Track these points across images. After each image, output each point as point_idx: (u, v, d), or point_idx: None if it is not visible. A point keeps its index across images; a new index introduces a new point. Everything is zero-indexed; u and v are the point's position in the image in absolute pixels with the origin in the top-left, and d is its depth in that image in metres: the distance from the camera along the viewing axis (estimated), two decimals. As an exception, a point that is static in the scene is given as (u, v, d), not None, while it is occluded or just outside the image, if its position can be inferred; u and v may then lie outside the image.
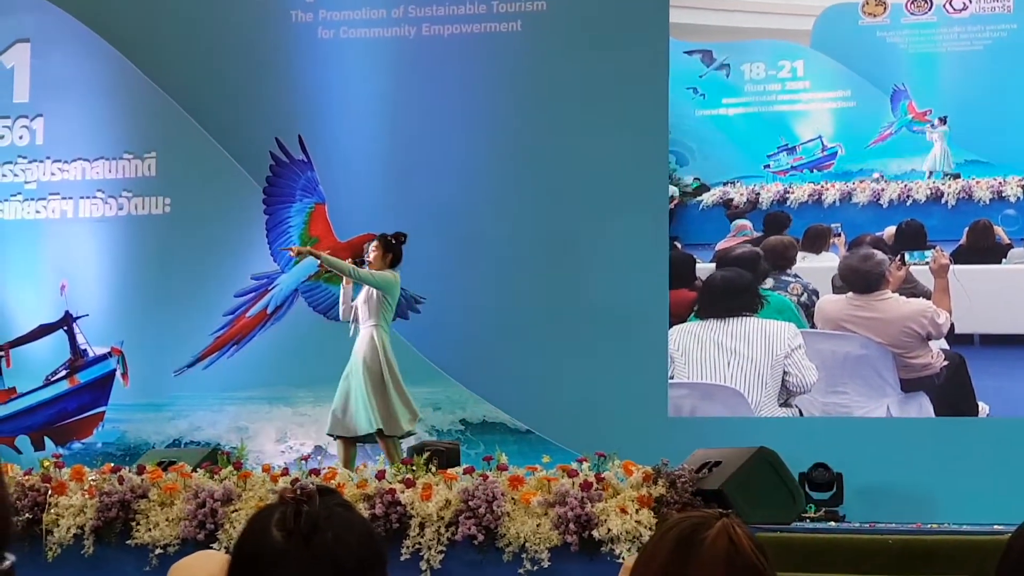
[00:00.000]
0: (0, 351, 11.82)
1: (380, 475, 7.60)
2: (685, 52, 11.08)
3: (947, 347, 10.31)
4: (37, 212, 12.02)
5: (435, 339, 10.98)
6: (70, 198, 11.96)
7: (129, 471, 8.12)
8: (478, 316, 10.99)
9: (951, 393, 10.25)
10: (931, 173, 10.57)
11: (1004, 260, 10.37)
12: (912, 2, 10.68)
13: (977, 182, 10.45)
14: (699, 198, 10.94)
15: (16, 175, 12.09)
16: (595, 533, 7.00)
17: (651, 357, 10.62)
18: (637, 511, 7.04)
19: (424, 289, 11.01)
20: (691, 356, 10.67)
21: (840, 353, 10.43)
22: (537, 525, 7.11)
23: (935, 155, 10.58)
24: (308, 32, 11.70)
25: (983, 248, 10.42)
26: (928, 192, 10.52)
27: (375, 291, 9.10)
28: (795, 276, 10.65)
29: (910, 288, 10.42)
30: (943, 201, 10.49)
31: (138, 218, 11.81)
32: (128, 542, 7.79)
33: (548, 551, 7.08)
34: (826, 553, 6.92)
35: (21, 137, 12.11)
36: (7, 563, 1.69)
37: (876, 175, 10.66)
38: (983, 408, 10.19)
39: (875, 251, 10.50)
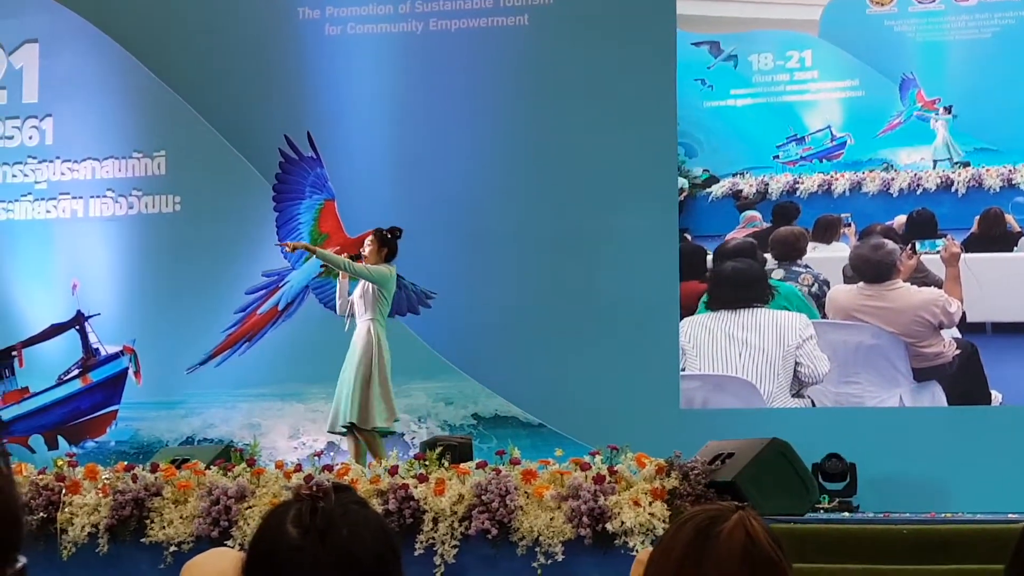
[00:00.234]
0: (13, 351, 11.85)
1: (393, 470, 7.60)
2: (692, 43, 11.07)
3: (959, 336, 10.29)
4: (48, 212, 12.05)
5: (446, 334, 10.99)
6: (80, 197, 11.99)
7: (143, 469, 8.14)
8: (489, 310, 10.99)
9: (964, 382, 10.24)
10: (936, 162, 10.55)
11: (1015, 248, 10.35)
12: (920, -10, 10.67)
13: (987, 170, 10.43)
14: (708, 190, 10.93)
15: (26, 175, 12.11)
16: (609, 526, 7.00)
17: (662, 349, 10.62)
18: (650, 504, 7.03)
19: (434, 284, 11.02)
20: (702, 348, 10.67)
21: (852, 343, 10.42)
22: (551, 519, 7.12)
23: (937, 144, 10.57)
24: (315, 29, 11.71)
25: (994, 236, 10.40)
26: (938, 181, 10.51)
27: (371, 285, 9.07)
28: (806, 267, 10.64)
29: (921, 277, 10.41)
30: (953, 189, 10.47)
31: (148, 217, 11.83)
32: (142, 540, 7.81)
33: (562, 545, 7.08)
34: (840, 544, 6.92)
35: (31, 137, 12.14)
36: (19, 564, 1.70)
37: (886, 164, 10.65)
38: (996, 397, 10.17)
39: (886, 240, 10.49)
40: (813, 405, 10.43)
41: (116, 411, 11.64)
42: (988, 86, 10.55)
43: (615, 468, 7.22)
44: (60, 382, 11.76)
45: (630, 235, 10.79)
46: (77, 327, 11.75)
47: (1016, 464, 9.69)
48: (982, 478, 9.59)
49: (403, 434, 10.94)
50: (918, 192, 10.54)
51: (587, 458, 7.37)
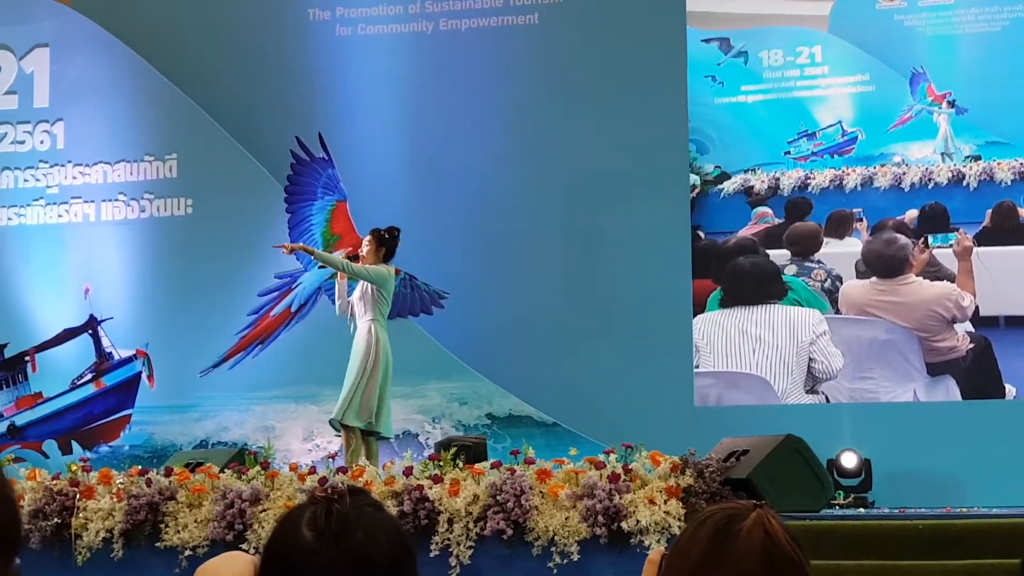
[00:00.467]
0: (26, 356, 11.87)
1: (408, 471, 7.60)
2: (703, 40, 11.06)
3: (972, 330, 10.27)
4: (60, 216, 12.07)
5: (459, 334, 10.99)
6: (92, 201, 12.01)
7: (157, 473, 8.14)
8: (502, 310, 10.99)
9: (977, 376, 10.22)
10: (943, 155, 10.54)
11: (1028, 241, 10.33)
12: (930, -16, 10.65)
13: (999, 163, 10.41)
14: (720, 186, 10.92)
15: (38, 180, 12.14)
16: (624, 525, 6.98)
17: (676, 347, 10.62)
18: (666, 502, 7.02)
19: (447, 284, 11.02)
20: (716, 345, 10.66)
21: (866, 338, 10.41)
22: (566, 518, 7.10)
23: (940, 139, 10.56)
24: (326, 30, 11.72)
25: (1006, 229, 10.37)
26: (950, 175, 10.49)
27: (370, 286, 9.02)
28: (818, 262, 10.63)
29: (934, 271, 10.39)
30: (965, 183, 10.45)
31: (160, 220, 11.85)
32: (157, 544, 7.80)
33: (577, 544, 7.06)
34: (856, 540, 6.90)
35: (42, 142, 12.16)
36: (14, 564, 1.70)
37: (897, 159, 10.63)
38: (1010, 390, 10.15)
39: (898, 235, 10.47)
40: (827, 401, 10.42)
41: (130, 415, 11.65)
42: (999, 79, 10.53)
43: (630, 466, 7.21)
44: (73, 387, 11.78)
45: (642, 233, 10.79)
46: (90, 331, 11.77)
47: (1031, 458, 9.67)
48: (997, 472, 9.57)
49: (417, 435, 10.95)
50: (930, 186, 10.52)
51: (602, 457, 7.36)
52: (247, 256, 11.45)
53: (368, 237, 9.25)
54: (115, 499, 7.94)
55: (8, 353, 11.93)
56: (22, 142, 12.20)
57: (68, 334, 11.81)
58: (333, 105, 11.55)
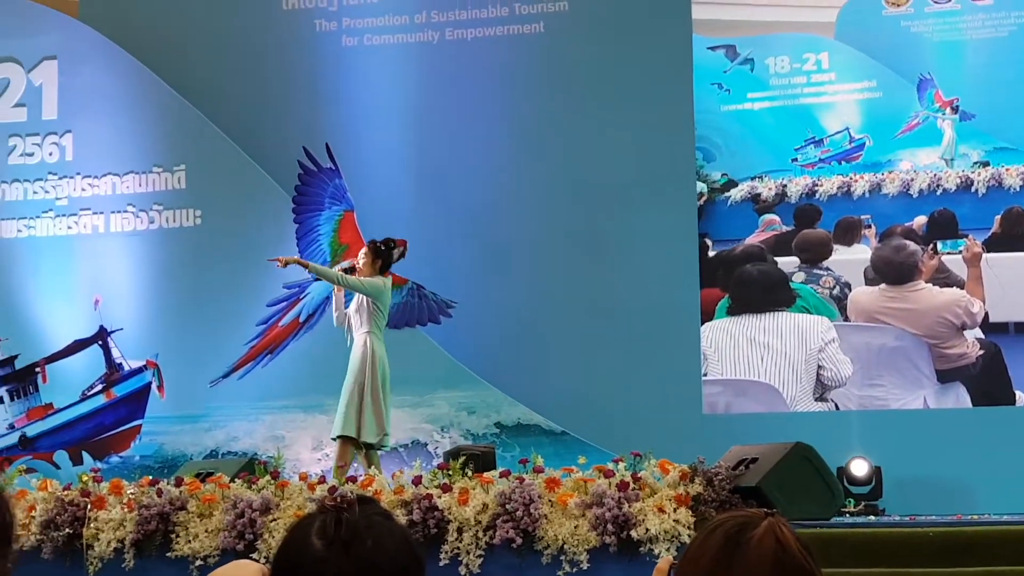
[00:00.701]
0: (36, 367, 11.90)
1: (417, 480, 7.60)
2: (709, 48, 11.07)
3: (982, 336, 10.26)
4: (69, 228, 12.09)
5: (467, 343, 10.99)
6: (101, 213, 12.03)
7: (167, 483, 8.15)
8: (509, 318, 10.99)
9: (987, 382, 10.20)
10: (947, 161, 10.54)
11: (1037, 247, 10.32)
12: (936, -9, 10.65)
13: (1007, 169, 10.41)
14: (727, 194, 10.93)
15: (47, 192, 12.16)
16: (633, 533, 6.98)
17: (684, 355, 10.61)
18: (675, 510, 7.01)
19: (454, 293, 11.03)
20: (724, 353, 10.65)
21: (875, 345, 10.40)
22: (575, 527, 7.10)
23: (944, 144, 10.56)
24: (332, 41, 11.75)
25: (1015, 235, 10.37)
26: (958, 181, 10.48)
27: (365, 298, 9.01)
28: (827, 269, 10.62)
29: (943, 278, 10.38)
30: (973, 189, 10.45)
31: (169, 231, 11.87)
32: (168, 554, 7.81)
33: (587, 552, 7.06)
34: (867, 548, 6.89)
35: (51, 154, 12.19)
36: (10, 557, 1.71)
37: (905, 165, 10.63)
38: (1020, 397, 10.14)
39: (908, 242, 10.47)
40: (837, 408, 10.40)
41: (140, 426, 11.67)
42: (1006, 85, 10.53)
43: (639, 475, 7.21)
44: (84, 397, 11.80)
45: (649, 241, 10.79)
46: (100, 342, 11.79)
47: (1042, 464, 9.65)
48: (1008, 479, 9.55)
49: (426, 444, 10.95)
50: (938, 192, 10.51)
51: (611, 465, 7.35)
52: (256, 266, 11.44)
53: (364, 249, 9.24)
54: (126, 509, 7.95)
55: (19, 364, 11.95)
56: (31, 154, 12.23)
57: (78, 345, 11.83)
58: (340, 115, 11.57)
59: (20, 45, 12.26)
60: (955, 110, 10.50)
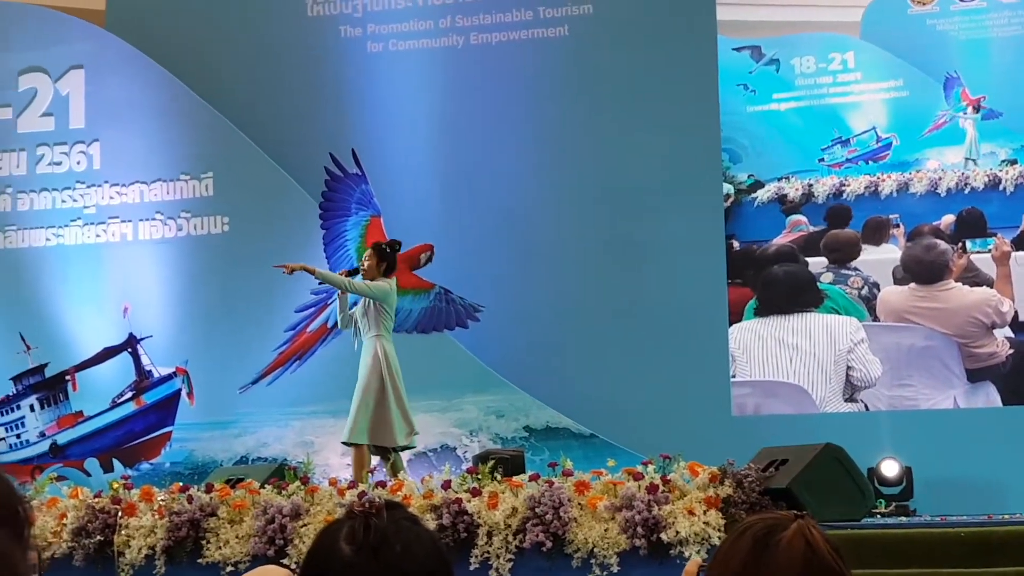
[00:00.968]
0: (66, 375, 11.95)
1: (446, 485, 7.61)
2: (734, 49, 11.05)
3: (1012, 335, 10.21)
4: (97, 236, 12.15)
5: (495, 347, 10.99)
6: (129, 221, 12.08)
7: (198, 490, 8.17)
8: (537, 322, 10.99)
9: (1018, 381, 10.15)
10: (969, 160, 10.49)
11: (1067, 245, 10.26)
12: (962, -12, 10.60)
13: (1035, 167, 10.36)
14: (754, 195, 10.90)
15: (75, 200, 12.22)
16: (663, 536, 6.97)
17: (712, 356, 10.59)
18: (705, 512, 7.00)
19: (482, 297, 11.03)
20: (752, 354, 10.63)
21: (904, 345, 10.36)
22: (605, 530, 7.10)
23: (968, 143, 10.51)
24: (357, 47, 11.77)
25: (1045, 234, 10.31)
26: (986, 179, 10.43)
27: (372, 302, 9.00)
28: (855, 269, 10.59)
29: (972, 277, 10.33)
30: (1001, 188, 10.40)
31: (197, 238, 11.91)
32: (199, 561, 7.84)
33: (617, 556, 7.05)
34: (898, 548, 6.86)
35: (79, 162, 12.25)
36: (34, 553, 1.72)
37: (933, 163, 10.58)
38: (1051, 395, 10.08)
39: (938, 241, 10.42)
40: (867, 409, 10.36)
41: (170, 432, 11.71)
42: (1034, 82, 10.47)
43: (668, 477, 7.19)
44: (114, 405, 11.85)
45: (677, 242, 10.77)
46: (129, 350, 11.84)
47: (1074, 463, 9.60)
48: (1040, 478, 9.50)
49: (455, 448, 10.96)
50: (966, 191, 10.46)
51: (640, 468, 7.34)
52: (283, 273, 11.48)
53: (368, 251, 9.23)
54: (157, 516, 7.98)
55: (49, 372, 12.01)
56: (59, 163, 12.29)
57: (108, 353, 11.88)
58: (366, 121, 11.59)
59: (47, 55, 12.33)
60: (976, 109, 10.45)
